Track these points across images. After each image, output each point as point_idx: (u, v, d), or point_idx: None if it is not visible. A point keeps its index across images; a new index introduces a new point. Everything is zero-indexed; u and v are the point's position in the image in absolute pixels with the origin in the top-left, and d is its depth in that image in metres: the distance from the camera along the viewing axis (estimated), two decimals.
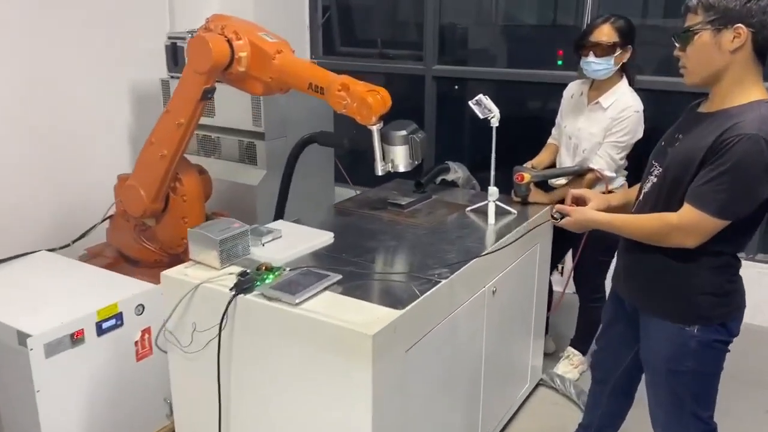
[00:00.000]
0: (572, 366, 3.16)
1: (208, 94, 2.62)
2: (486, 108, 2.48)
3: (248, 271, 1.98)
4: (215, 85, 2.64)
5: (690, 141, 1.78)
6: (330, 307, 1.81)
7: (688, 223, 1.73)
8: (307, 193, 3.61)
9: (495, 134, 2.51)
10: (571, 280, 3.04)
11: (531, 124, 4.35)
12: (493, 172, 2.57)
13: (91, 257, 3.29)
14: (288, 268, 2.00)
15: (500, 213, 2.60)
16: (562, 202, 2.74)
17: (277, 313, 1.83)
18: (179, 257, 2.98)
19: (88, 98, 3.65)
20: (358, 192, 4.15)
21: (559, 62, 4.15)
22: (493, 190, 2.56)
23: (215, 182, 3.37)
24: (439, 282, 1.98)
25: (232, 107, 3.44)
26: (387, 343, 1.73)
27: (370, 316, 1.75)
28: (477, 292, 2.23)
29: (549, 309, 3.03)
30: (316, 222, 2.57)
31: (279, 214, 2.96)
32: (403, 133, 2.46)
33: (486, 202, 2.58)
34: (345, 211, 2.70)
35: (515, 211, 2.63)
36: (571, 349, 3.21)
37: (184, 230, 2.94)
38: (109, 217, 3.23)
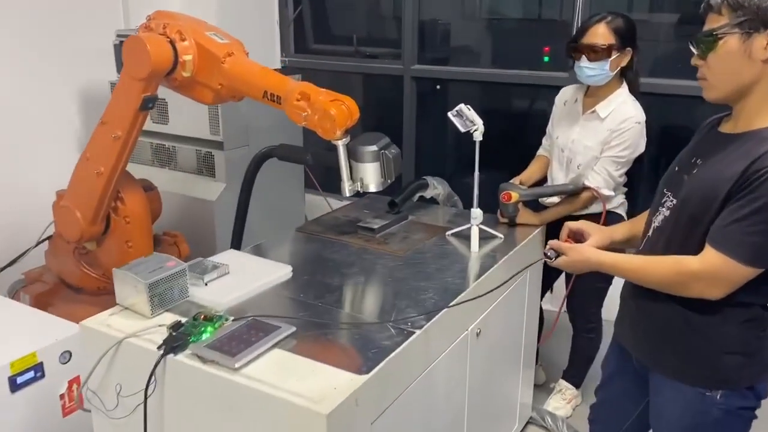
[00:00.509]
0: (565, 401, 2.86)
1: (148, 104, 2.27)
2: (468, 120, 2.15)
3: (183, 321, 1.65)
4: (157, 93, 2.29)
5: (711, 169, 1.47)
6: (278, 371, 1.48)
7: (713, 271, 1.42)
8: (274, 201, 3.29)
9: (478, 149, 2.19)
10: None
11: (519, 130, 4.04)
12: (476, 192, 2.25)
13: (29, 282, 2.95)
14: (231, 318, 1.67)
15: (484, 237, 2.28)
16: (555, 225, 2.45)
17: (212, 379, 1.50)
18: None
19: (30, 102, 3.28)
20: (329, 199, 3.84)
21: (546, 59, 3.84)
22: (476, 213, 2.24)
23: (169, 196, 3.03)
24: (413, 332, 1.66)
25: (187, 113, 3.10)
26: (346, 419, 1.41)
27: (325, 386, 1.42)
28: (459, 337, 1.91)
29: (539, 339, 2.72)
30: (275, 250, 2.24)
31: (236, 241, 2.62)
32: (374, 148, 2.14)
33: (468, 225, 2.26)
34: (309, 235, 2.37)
35: (501, 236, 2.32)
36: (563, 382, 2.91)
37: (130, 255, 2.62)
38: (48, 238, 2.88)
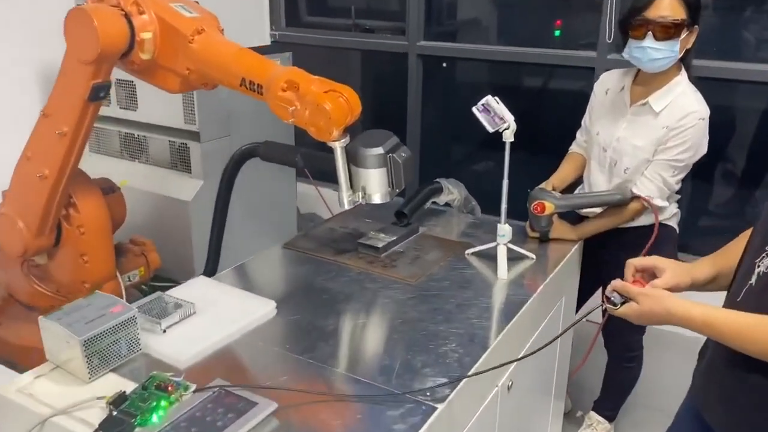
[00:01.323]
0: None
1: (99, 93, 1.83)
2: (497, 116, 1.73)
3: (128, 393, 1.24)
4: (110, 80, 1.86)
5: None
6: None
7: None
8: (262, 193, 2.87)
9: (508, 153, 1.77)
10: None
11: (539, 116, 3.60)
12: (504, 205, 1.83)
13: None
14: (193, 388, 1.26)
15: (513, 257, 1.87)
16: (597, 242, 2.04)
17: None
18: None
19: None
20: (323, 190, 3.37)
21: (556, 33, 3.40)
22: (504, 230, 1.83)
23: (139, 195, 2.60)
24: (435, 408, 1.25)
25: (158, 98, 2.64)
26: None
27: None
28: (488, 397, 1.51)
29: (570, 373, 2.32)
30: (256, 275, 1.83)
31: (213, 256, 2.21)
32: (379, 151, 1.71)
33: (494, 244, 1.85)
34: (300, 254, 1.95)
35: (533, 256, 1.91)
36: (594, 416, 2.51)
37: (86, 270, 2.21)
38: None
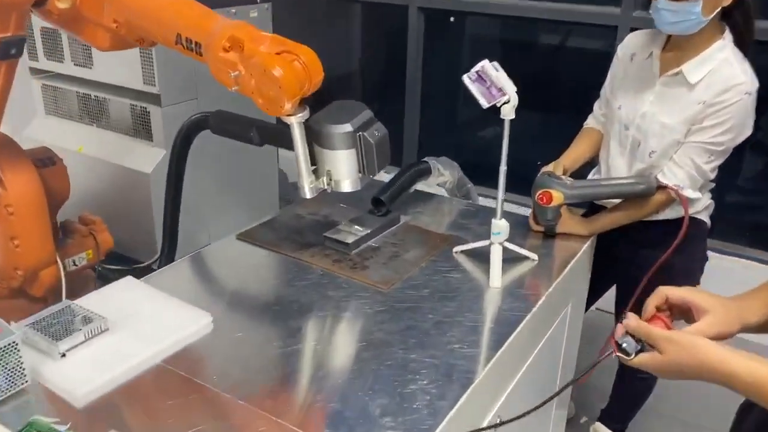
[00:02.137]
0: None
1: (10, 49, 1.51)
2: (494, 87, 1.38)
3: None
4: (24, 33, 1.53)
5: None
6: None
7: None
8: (239, 161, 2.56)
9: (507, 131, 1.43)
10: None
11: (562, 81, 3.22)
12: (500, 195, 1.50)
13: None
14: None
15: (511, 257, 1.55)
16: (611, 236, 1.71)
17: None
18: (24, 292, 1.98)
19: None
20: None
21: None
22: (500, 226, 1.50)
23: (96, 165, 2.30)
24: None
25: (113, 54, 2.31)
26: None
27: None
28: None
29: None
30: (199, 277, 1.53)
31: (168, 250, 1.92)
32: (347, 128, 1.39)
33: (486, 242, 1.53)
34: (256, 248, 1.63)
35: (535, 257, 1.58)
36: (600, 427, 2.22)
37: (18, 256, 1.92)
38: None
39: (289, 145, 1.46)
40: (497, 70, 1.38)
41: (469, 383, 1.16)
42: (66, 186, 2.05)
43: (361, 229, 1.64)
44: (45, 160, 1.98)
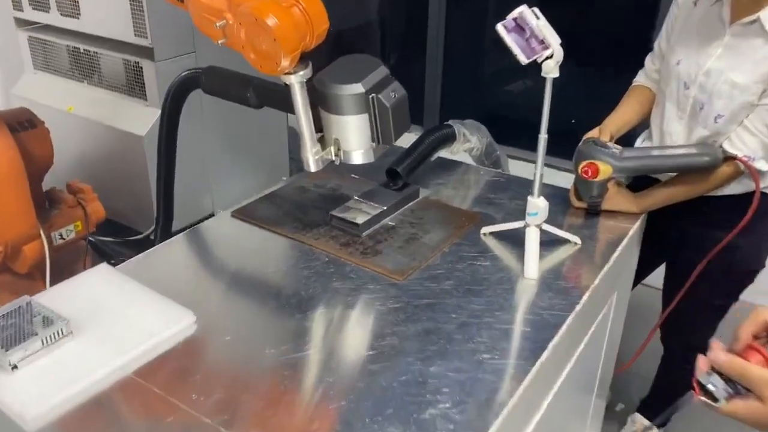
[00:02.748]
0: None
1: None
2: (534, 38, 1.13)
3: None
4: None
5: None
6: None
7: None
8: (247, 125, 2.35)
9: (549, 93, 1.18)
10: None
11: (597, 36, 2.92)
12: (539, 170, 1.26)
13: None
14: None
15: (548, 241, 1.32)
16: (663, 212, 1.49)
17: None
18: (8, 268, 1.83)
19: None
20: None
21: None
22: (537, 205, 1.27)
23: (89, 125, 2.10)
24: None
25: (101, 1, 2.08)
26: None
27: None
28: None
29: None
30: (185, 264, 1.33)
31: (163, 223, 1.72)
32: (358, 89, 1.17)
33: (521, 223, 1.30)
34: (253, 227, 1.42)
35: (578, 240, 1.35)
36: (639, 419, 2.02)
37: None
38: None
39: (287, 108, 1.24)
40: (538, 18, 1.13)
41: (501, 408, 0.94)
42: (48, 151, 1.85)
43: (373, 205, 1.41)
44: (24, 123, 1.79)
